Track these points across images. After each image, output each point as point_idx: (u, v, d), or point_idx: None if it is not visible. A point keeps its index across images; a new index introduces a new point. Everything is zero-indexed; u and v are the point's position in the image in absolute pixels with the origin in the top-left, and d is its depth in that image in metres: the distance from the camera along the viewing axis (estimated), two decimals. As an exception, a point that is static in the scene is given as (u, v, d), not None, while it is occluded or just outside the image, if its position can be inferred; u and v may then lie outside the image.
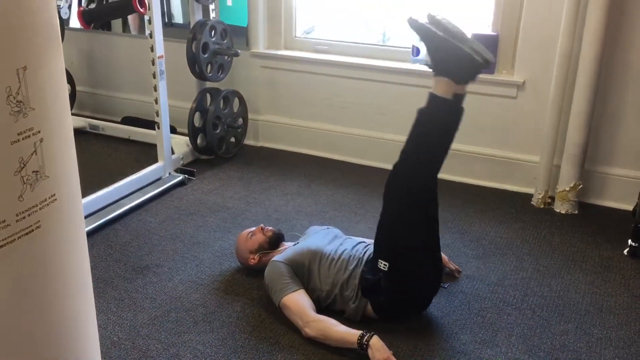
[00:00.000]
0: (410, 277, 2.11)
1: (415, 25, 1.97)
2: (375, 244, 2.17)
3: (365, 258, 2.21)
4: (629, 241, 2.65)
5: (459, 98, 2.00)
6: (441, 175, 3.34)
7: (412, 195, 2.05)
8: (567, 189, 3.02)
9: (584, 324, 2.20)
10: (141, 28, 4.05)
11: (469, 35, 1.97)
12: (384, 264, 2.06)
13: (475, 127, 3.30)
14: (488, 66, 1.94)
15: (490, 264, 2.57)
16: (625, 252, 2.67)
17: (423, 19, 1.97)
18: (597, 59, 2.82)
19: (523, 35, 3.08)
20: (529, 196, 3.18)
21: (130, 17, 4.08)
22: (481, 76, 3.11)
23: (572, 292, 2.39)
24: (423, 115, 2.01)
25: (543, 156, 3.08)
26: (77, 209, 1.18)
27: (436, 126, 2.02)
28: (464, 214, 3.01)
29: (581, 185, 3.03)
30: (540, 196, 3.11)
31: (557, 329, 2.17)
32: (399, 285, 2.10)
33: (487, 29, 3.21)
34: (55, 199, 1.09)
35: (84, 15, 3.31)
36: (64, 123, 1.12)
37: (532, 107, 3.15)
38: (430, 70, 2.00)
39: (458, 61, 1.92)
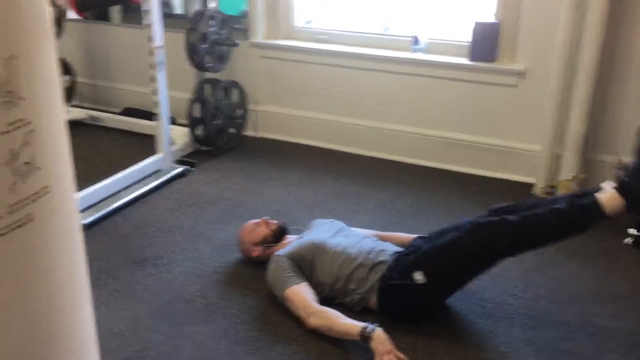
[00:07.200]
0: (441, 297, 2.14)
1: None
2: (422, 254, 2.08)
3: (377, 254, 2.17)
4: (630, 230, 2.64)
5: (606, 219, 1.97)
6: (443, 165, 3.42)
7: (496, 252, 2.03)
8: (569, 178, 3.00)
9: (585, 314, 2.19)
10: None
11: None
12: (421, 278, 2.01)
13: (476, 116, 3.28)
14: None
15: (491, 254, 2.56)
16: (625, 241, 2.65)
17: None
18: (599, 47, 2.79)
19: (524, 23, 3.05)
20: (530, 185, 3.17)
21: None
22: (482, 64, 3.15)
23: (573, 282, 2.38)
24: (573, 213, 1.98)
25: (544, 145, 3.05)
26: (71, 201, 1.16)
27: (573, 228, 2.01)
28: (466, 204, 3.00)
29: (584, 177, 3.00)
30: (541, 185, 3.09)
31: (557, 319, 2.16)
32: (426, 300, 2.10)
33: (491, 17, 3.18)
34: (48, 191, 1.08)
35: (77, 3, 3.28)
36: (56, 114, 1.10)
37: (533, 96, 3.12)
38: (617, 185, 1.95)
39: None
